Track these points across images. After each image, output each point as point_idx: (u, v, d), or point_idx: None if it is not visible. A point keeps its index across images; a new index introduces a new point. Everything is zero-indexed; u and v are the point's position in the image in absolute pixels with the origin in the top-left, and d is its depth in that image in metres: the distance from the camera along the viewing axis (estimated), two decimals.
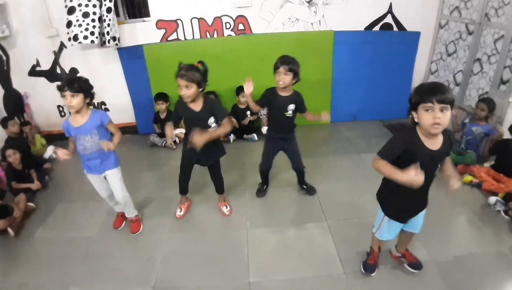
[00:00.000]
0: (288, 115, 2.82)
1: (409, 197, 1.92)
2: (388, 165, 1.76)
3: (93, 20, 3.72)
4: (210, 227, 2.94)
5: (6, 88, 4.28)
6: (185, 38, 4.31)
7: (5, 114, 4.15)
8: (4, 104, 4.20)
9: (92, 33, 3.74)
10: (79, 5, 3.69)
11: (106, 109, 4.69)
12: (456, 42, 4.08)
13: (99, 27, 3.78)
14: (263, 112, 4.38)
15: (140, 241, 2.82)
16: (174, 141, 4.31)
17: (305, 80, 4.18)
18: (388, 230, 2.12)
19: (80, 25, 3.72)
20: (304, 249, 2.62)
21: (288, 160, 3.12)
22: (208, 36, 4.32)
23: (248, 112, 4.41)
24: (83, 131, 2.41)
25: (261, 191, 3.29)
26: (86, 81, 2.40)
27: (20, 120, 4.37)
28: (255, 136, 4.39)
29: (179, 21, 4.22)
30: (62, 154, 2.41)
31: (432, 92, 1.60)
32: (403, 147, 1.77)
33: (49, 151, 4.22)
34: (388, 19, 4.32)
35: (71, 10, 3.73)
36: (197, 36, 4.31)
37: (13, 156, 3.42)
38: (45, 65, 4.37)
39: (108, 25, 3.86)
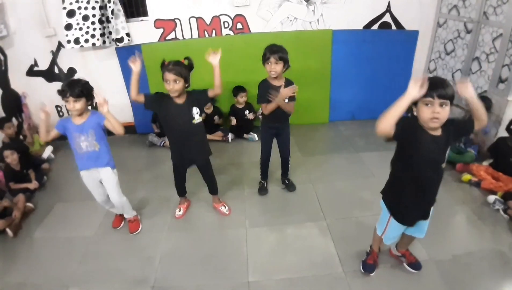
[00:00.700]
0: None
1: (417, 195, 1.91)
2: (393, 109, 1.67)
3: (93, 23, 3.79)
4: (209, 226, 2.93)
5: (4, 88, 4.26)
6: (183, 38, 4.30)
7: (3, 114, 4.13)
8: (2, 104, 4.19)
9: (93, 36, 3.84)
10: (79, 8, 3.74)
11: None
12: (454, 40, 4.08)
13: (99, 29, 3.83)
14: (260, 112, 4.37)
15: (139, 241, 2.81)
16: None
17: (303, 79, 4.20)
18: (393, 232, 2.11)
19: (81, 29, 3.80)
20: (303, 248, 2.62)
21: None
22: (207, 35, 4.31)
23: (247, 111, 4.41)
24: (81, 130, 2.43)
25: (263, 189, 3.30)
26: (86, 83, 2.43)
27: (18, 120, 4.36)
28: (255, 136, 4.38)
29: (177, 20, 4.21)
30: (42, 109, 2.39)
31: (433, 86, 1.61)
32: (410, 127, 1.75)
33: (48, 151, 4.21)
34: (387, 18, 4.32)
35: (71, 13, 3.77)
36: (195, 35, 4.30)
37: (11, 157, 3.41)
38: (43, 65, 4.36)
39: (107, 31, 3.94)
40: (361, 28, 4.36)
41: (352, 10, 4.22)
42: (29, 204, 3.26)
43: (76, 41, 3.84)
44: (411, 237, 2.23)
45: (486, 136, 3.44)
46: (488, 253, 2.46)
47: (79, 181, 2.70)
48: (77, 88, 2.33)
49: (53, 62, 4.35)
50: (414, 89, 1.62)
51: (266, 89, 2.78)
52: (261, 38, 4.22)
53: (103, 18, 3.83)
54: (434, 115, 1.63)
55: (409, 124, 1.76)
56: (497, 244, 2.53)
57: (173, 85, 2.43)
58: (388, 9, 4.27)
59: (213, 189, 3.04)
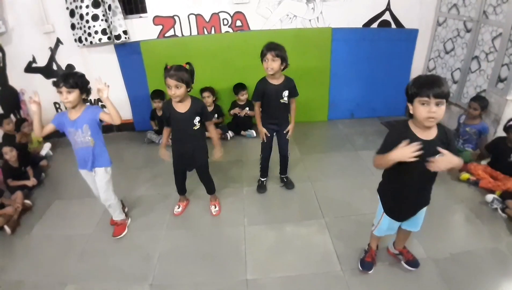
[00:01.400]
0: (283, 102, 2.86)
1: (409, 194, 1.94)
2: (381, 155, 1.79)
3: (87, 21, 3.81)
4: (207, 224, 2.93)
5: (2, 85, 4.24)
6: (182, 35, 4.29)
7: (1, 111, 4.12)
8: (0, 101, 4.17)
9: (89, 34, 3.86)
10: (76, 7, 3.79)
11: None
12: (454, 39, 4.07)
13: (94, 26, 3.82)
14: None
15: (137, 238, 2.81)
16: None
17: (303, 77, 4.21)
18: (387, 227, 2.13)
19: (80, 28, 3.87)
20: (302, 246, 2.62)
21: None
22: (206, 32, 4.30)
23: (247, 108, 4.40)
24: (75, 125, 2.41)
25: (262, 187, 3.30)
26: (82, 76, 2.38)
27: (17, 117, 4.34)
28: (253, 132, 4.38)
29: (176, 17, 4.20)
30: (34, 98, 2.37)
31: (429, 85, 1.61)
32: (397, 141, 1.75)
33: (46, 148, 4.20)
34: (386, 16, 4.31)
35: (72, 13, 3.87)
36: (194, 32, 4.29)
37: (10, 154, 3.40)
38: (42, 62, 4.35)
39: (109, 26, 3.93)
40: (361, 26, 4.35)
41: (352, 8, 4.22)
42: (27, 201, 3.26)
43: (80, 40, 3.96)
44: (406, 233, 2.24)
45: (484, 136, 3.44)
46: (486, 251, 2.46)
47: (77, 178, 2.70)
48: (72, 79, 2.28)
49: (52, 59, 4.33)
50: (404, 154, 1.67)
51: (261, 90, 2.81)
52: (260, 36, 4.22)
53: (100, 15, 3.81)
54: (430, 115, 1.63)
55: (399, 136, 1.75)
56: (495, 243, 2.53)
57: (174, 91, 2.42)
58: (388, 8, 4.26)
59: (209, 190, 3.05)
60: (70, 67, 4.37)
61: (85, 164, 2.55)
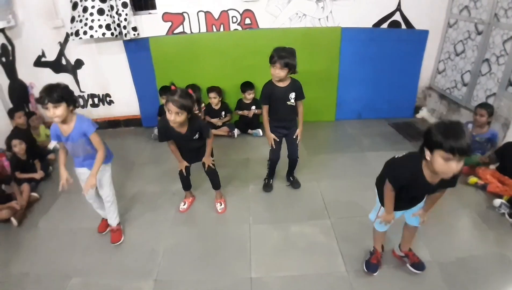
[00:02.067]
0: (290, 104, 2.85)
1: (410, 198, 2.02)
2: (390, 201, 1.98)
3: (91, 14, 3.77)
4: (212, 221, 2.94)
5: (11, 78, 4.28)
6: (191, 32, 4.29)
7: (10, 105, 4.15)
8: (9, 94, 4.20)
9: (91, 28, 3.81)
10: (80, 0, 3.72)
11: (111, 102, 4.69)
12: (464, 41, 4.03)
13: (98, 20, 3.80)
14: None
15: (142, 234, 2.82)
16: None
17: (311, 76, 4.20)
18: None
19: (80, 21, 3.81)
20: (307, 246, 2.61)
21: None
22: (214, 30, 4.30)
23: (253, 107, 4.40)
24: (69, 139, 2.35)
25: (268, 186, 3.30)
26: (65, 87, 2.25)
27: (25, 110, 4.37)
28: (259, 131, 4.37)
29: (185, 14, 4.20)
30: (64, 182, 2.43)
31: (456, 140, 1.50)
32: (408, 179, 1.82)
33: (53, 142, 4.22)
34: (397, 17, 4.28)
35: (74, 6, 3.83)
36: (203, 29, 4.29)
37: (19, 146, 3.43)
38: (51, 56, 4.37)
39: (125, 19, 3.93)
40: (371, 26, 4.33)
41: (361, 8, 4.19)
42: (34, 194, 3.28)
43: (77, 33, 3.85)
44: (411, 232, 2.25)
45: (494, 143, 3.40)
46: (492, 257, 2.44)
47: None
48: (55, 93, 2.14)
49: (61, 54, 4.36)
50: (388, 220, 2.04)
51: (268, 93, 2.80)
52: (269, 34, 4.22)
53: (106, 9, 3.80)
54: (450, 171, 1.57)
55: (410, 173, 1.80)
56: (502, 248, 2.51)
57: (174, 117, 2.35)
58: (399, 8, 4.23)
59: (214, 184, 3.04)
60: (78, 62, 4.40)
61: (84, 164, 2.52)
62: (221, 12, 4.21)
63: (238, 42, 4.30)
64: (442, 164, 1.57)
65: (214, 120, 4.42)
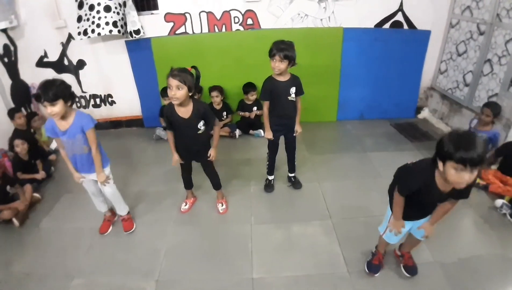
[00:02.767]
0: (291, 99, 2.85)
1: (422, 206, 1.99)
2: (400, 208, 1.96)
3: (98, 12, 3.75)
4: (214, 221, 2.94)
5: (13, 78, 4.28)
6: (193, 32, 4.30)
7: (12, 105, 4.16)
8: (11, 94, 4.21)
9: (98, 25, 3.78)
10: None
11: (113, 102, 4.70)
12: (466, 42, 4.03)
13: (105, 17, 3.77)
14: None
15: (144, 234, 2.83)
16: None
17: (313, 77, 4.20)
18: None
19: (88, 19, 3.78)
20: (308, 246, 2.61)
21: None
22: (216, 30, 4.30)
23: (255, 108, 4.40)
24: (68, 135, 2.33)
25: (269, 186, 3.30)
26: (62, 83, 2.22)
27: (27, 111, 4.39)
28: (261, 132, 4.37)
29: (187, 15, 4.20)
30: (77, 178, 2.48)
31: (467, 151, 1.47)
32: (419, 186, 1.80)
33: (55, 143, 4.23)
34: (399, 17, 4.28)
35: (80, 5, 3.81)
36: (205, 30, 4.29)
37: (21, 147, 3.45)
38: (53, 56, 4.38)
39: (122, 18, 3.90)
40: (373, 26, 4.32)
41: (364, 8, 4.19)
42: (36, 194, 3.29)
43: (85, 32, 3.84)
44: (413, 241, 2.23)
45: (495, 143, 3.39)
46: (494, 257, 2.44)
47: None
48: (51, 91, 2.12)
49: (63, 54, 4.37)
50: (397, 228, 2.02)
51: (269, 88, 2.80)
52: (271, 34, 4.21)
53: (113, 6, 3.78)
54: (463, 182, 1.55)
55: (423, 181, 1.78)
56: (504, 248, 2.51)
57: (175, 92, 2.33)
58: (401, 8, 4.23)
59: (215, 185, 3.04)
60: (81, 62, 4.40)
61: (82, 169, 2.52)
62: (223, 12, 4.21)
63: (240, 42, 4.30)
64: (454, 175, 1.55)
65: None
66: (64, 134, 2.34)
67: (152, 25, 4.22)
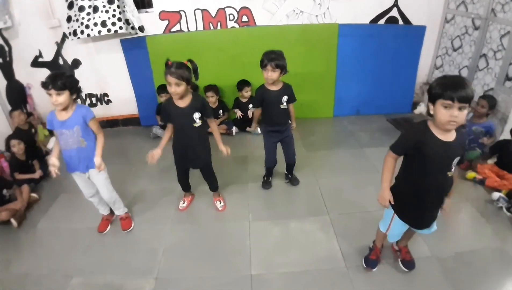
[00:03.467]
0: (283, 107, 2.88)
1: (432, 198, 1.91)
2: (389, 173, 1.89)
3: (88, 14, 3.73)
4: (212, 219, 2.94)
5: (8, 79, 4.26)
6: (188, 30, 4.29)
7: (8, 106, 4.14)
8: (7, 95, 4.19)
9: (87, 26, 3.77)
10: None
11: (109, 101, 4.68)
12: (462, 37, 4.04)
13: (93, 18, 3.75)
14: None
15: (142, 232, 2.83)
16: None
17: (309, 73, 4.21)
18: (398, 230, 2.11)
19: (77, 20, 3.76)
20: (306, 242, 2.62)
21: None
22: (212, 27, 4.29)
23: (250, 105, 4.40)
24: (66, 126, 2.34)
25: (267, 183, 3.31)
26: (70, 76, 2.32)
27: (23, 111, 4.36)
28: (258, 129, 4.37)
29: (182, 12, 4.19)
30: (53, 164, 2.40)
31: (454, 88, 1.55)
32: (415, 139, 1.76)
33: (52, 142, 4.22)
34: (394, 13, 4.28)
35: (70, 5, 3.79)
36: (200, 27, 4.28)
37: (18, 147, 3.43)
38: (48, 56, 4.36)
39: (114, 16, 3.84)
40: (368, 22, 4.33)
41: (359, 4, 4.19)
42: (34, 195, 3.29)
43: (74, 33, 3.83)
44: (411, 232, 2.23)
45: (490, 135, 3.41)
46: (491, 251, 2.45)
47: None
48: (60, 81, 2.21)
49: (58, 54, 4.35)
50: (384, 199, 1.93)
51: (261, 97, 2.85)
52: (266, 31, 4.22)
53: (100, 6, 3.74)
54: (452, 119, 1.58)
55: (417, 133, 1.76)
56: (500, 242, 2.52)
57: (174, 88, 2.40)
58: (396, 4, 4.23)
59: (213, 187, 3.05)
60: (76, 62, 4.38)
61: (77, 166, 2.49)
62: (218, 9, 4.20)
63: (235, 39, 4.29)
64: (444, 113, 1.60)
65: None
66: (62, 125, 2.35)
67: (147, 24, 4.19)
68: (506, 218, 2.75)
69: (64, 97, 2.25)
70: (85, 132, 2.41)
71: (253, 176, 3.45)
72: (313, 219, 2.85)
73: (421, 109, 4.75)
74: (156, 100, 4.48)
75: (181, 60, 2.47)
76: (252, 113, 4.37)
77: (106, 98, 4.66)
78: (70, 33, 3.86)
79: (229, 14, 4.23)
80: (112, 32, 3.84)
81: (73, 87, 2.30)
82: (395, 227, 2.09)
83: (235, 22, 4.28)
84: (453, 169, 1.80)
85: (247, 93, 4.37)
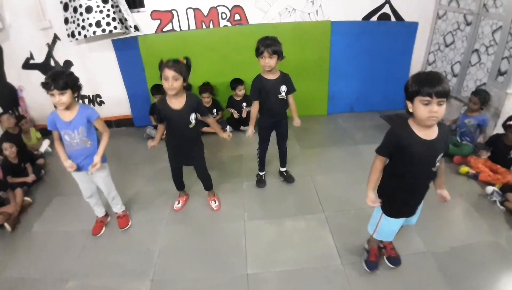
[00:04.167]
0: (281, 97, 2.84)
1: (410, 193, 1.94)
2: (376, 174, 1.96)
3: (81, 14, 3.72)
4: (207, 219, 2.94)
5: (0, 81, 4.22)
6: (181, 29, 4.26)
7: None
8: None
9: (83, 28, 3.76)
10: (70, 0, 3.69)
11: (102, 102, 4.65)
12: (454, 32, 4.05)
13: (87, 18, 3.73)
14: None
15: (137, 234, 2.82)
16: None
17: (302, 71, 4.20)
18: (387, 229, 2.10)
19: (73, 22, 3.76)
20: (302, 240, 2.63)
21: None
22: (204, 26, 4.27)
23: (244, 104, 4.39)
24: (71, 127, 2.34)
25: (261, 181, 3.31)
26: (71, 74, 2.29)
27: (15, 114, 4.33)
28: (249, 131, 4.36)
29: (174, 12, 4.17)
30: (70, 166, 2.42)
31: (431, 84, 1.55)
32: (396, 139, 1.77)
33: (45, 145, 4.19)
34: (386, 9, 4.29)
35: (65, 7, 3.78)
36: (192, 26, 4.26)
37: (10, 150, 3.40)
38: (39, 58, 4.32)
39: (108, 16, 3.81)
40: (360, 19, 4.33)
41: (351, 2, 4.19)
42: (27, 199, 3.26)
43: (72, 34, 3.84)
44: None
45: (483, 128, 3.43)
46: (486, 245, 2.47)
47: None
48: (62, 80, 2.17)
49: (49, 55, 4.31)
50: (369, 200, 1.97)
51: (258, 87, 2.79)
52: (259, 30, 4.18)
53: (94, 6, 3.71)
54: (432, 114, 1.58)
55: (399, 134, 1.77)
56: (495, 236, 2.54)
57: (172, 82, 2.37)
58: (388, 1, 4.24)
59: (207, 186, 3.04)
60: (68, 63, 4.35)
61: (81, 166, 2.50)
62: (210, 8, 4.18)
63: (228, 38, 4.28)
64: (423, 110, 1.60)
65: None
66: (68, 126, 2.34)
67: (139, 23, 4.17)
68: (500, 212, 2.77)
69: (67, 96, 2.23)
70: (90, 132, 2.43)
71: (247, 175, 3.45)
72: (308, 217, 2.85)
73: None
74: (149, 100, 4.46)
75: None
76: (247, 113, 4.38)
77: (98, 99, 4.63)
78: (68, 35, 3.87)
79: (222, 13, 4.22)
80: (107, 32, 3.83)
81: (74, 85, 2.28)
82: (382, 227, 2.09)
83: (227, 20, 4.27)
84: (437, 165, 1.81)
85: (240, 92, 4.36)
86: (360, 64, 4.48)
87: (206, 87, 4.32)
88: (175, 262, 2.51)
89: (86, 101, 4.62)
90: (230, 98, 4.49)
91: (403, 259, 2.35)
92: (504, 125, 3.16)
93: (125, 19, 3.99)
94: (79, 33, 3.80)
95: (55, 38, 4.18)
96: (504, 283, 2.20)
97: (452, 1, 4.04)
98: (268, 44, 2.60)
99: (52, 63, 4.36)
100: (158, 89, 4.24)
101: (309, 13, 4.27)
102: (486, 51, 3.58)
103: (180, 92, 2.47)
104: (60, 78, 2.19)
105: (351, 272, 2.32)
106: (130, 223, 2.89)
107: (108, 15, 3.79)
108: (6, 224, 2.88)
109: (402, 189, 1.93)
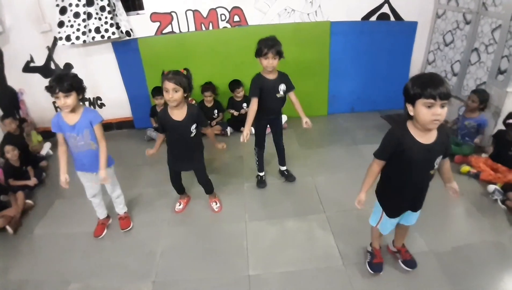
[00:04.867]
0: (279, 96, 2.86)
1: (406, 194, 1.94)
2: (371, 178, 1.96)
3: (84, 20, 3.75)
4: (209, 221, 2.94)
5: (0, 85, 4.23)
6: (180, 31, 4.27)
7: (0, 111, 4.11)
8: None
9: (83, 33, 3.80)
10: (70, 5, 3.71)
11: (102, 104, 4.66)
12: (453, 31, 4.06)
13: (88, 24, 3.76)
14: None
15: (139, 236, 2.82)
16: None
17: (302, 71, 4.21)
18: (388, 222, 2.11)
19: (72, 26, 3.77)
20: (303, 241, 2.63)
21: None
22: (203, 28, 4.28)
23: (245, 104, 4.39)
24: (76, 130, 2.35)
25: (261, 182, 3.31)
26: (75, 76, 2.31)
27: (16, 117, 4.33)
28: (252, 129, 4.35)
29: (173, 14, 4.17)
30: (64, 182, 2.44)
31: (434, 86, 1.51)
32: (395, 143, 1.76)
33: (46, 148, 4.20)
34: (385, 9, 4.28)
35: (63, 10, 3.77)
36: (192, 28, 4.27)
37: (12, 153, 3.41)
38: (39, 61, 4.32)
39: (106, 22, 3.84)
40: (360, 19, 4.33)
41: (350, 2, 4.19)
42: (29, 201, 3.26)
43: (68, 38, 3.83)
44: (404, 230, 2.24)
45: (482, 129, 3.43)
46: (488, 244, 2.47)
47: (78, 177, 2.69)
48: (66, 82, 2.18)
49: (49, 58, 4.31)
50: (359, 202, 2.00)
51: (258, 86, 2.80)
52: (258, 31, 4.17)
53: (94, 13, 3.74)
54: (436, 117, 1.55)
55: (397, 138, 1.75)
56: (497, 235, 2.54)
57: (172, 94, 2.38)
58: (387, 0, 4.23)
59: (207, 190, 3.05)
60: (68, 66, 4.35)
61: (88, 167, 2.52)
62: (210, 10, 4.18)
63: (227, 40, 4.28)
64: (426, 113, 1.57)
65: None
66: (73, 129, 2.36)
67: (138, 26, 4.18)
68: (502, 211, 2.77)
69: (72, 98, 2.24)
70: (94, 135, 2.42)
71: (248, 176, 3.45)
72: (309, 218, 2.85)
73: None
74: (149, 102, 4.46)
75: (176, 67, 2.47)
76: (246, 112, 4.38)
77: (99, 102, 4.64)
78: (61, 38, 3.85)
79: (221, 14, 4.22)
80: (106, 38, 3.86)
81: (79, 87, 2.29)
82: (385, 220, 2.10)
83: (226, 22, 4.27)
84: (435, 167, 1.81)
85: (239, 93, 4.36)
86: (360, 64, 4.48)
87: (209, 86, 4.32)
88: (177, 264, 2.52)
89: (87, 103, 4.62)
90: (231, 99, 4.50)
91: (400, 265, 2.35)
92: (504, 123, 3.16)
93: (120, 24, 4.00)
94: (78, 38, 3.81)
95: (55, 41, 4.18)
96: (506, 282, 2.20)
97: (451, 0, 4.04)
98: (271, 45, 2.63)
99: (53, 66, 4.36)
100: (159, 92, 4.24)
101: (308, 14, 4.27)
102: (486, 50, 3.58)
103: (181, 103, 2.49)
104: (64, 80, 2.20)
105: (353, 272, 2.32)
106: (132, 225, 2.90)
107: (106, 22, 3.82)
108: (8, 227, 2.89)
109: (399, 192, 1.94)
